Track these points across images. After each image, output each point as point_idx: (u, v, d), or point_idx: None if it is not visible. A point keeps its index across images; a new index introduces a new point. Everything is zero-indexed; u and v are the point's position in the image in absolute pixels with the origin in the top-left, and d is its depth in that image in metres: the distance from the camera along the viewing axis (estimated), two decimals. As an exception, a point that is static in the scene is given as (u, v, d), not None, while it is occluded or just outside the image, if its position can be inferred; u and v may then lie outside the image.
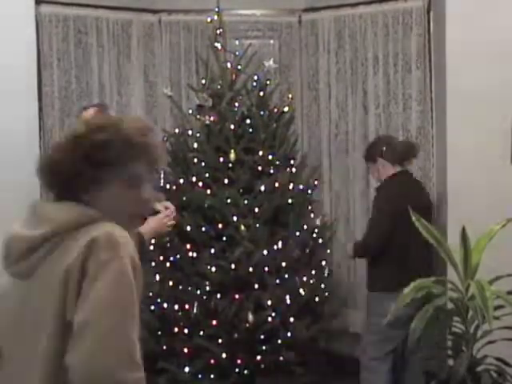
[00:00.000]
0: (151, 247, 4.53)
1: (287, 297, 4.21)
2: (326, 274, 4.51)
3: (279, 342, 4.21)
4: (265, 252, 4.20)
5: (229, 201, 4.25)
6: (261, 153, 4.35)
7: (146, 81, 5.10)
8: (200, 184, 4.34)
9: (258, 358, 4.21)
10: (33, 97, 4.26)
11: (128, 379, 1.54)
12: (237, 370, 4.21)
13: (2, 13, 4.03)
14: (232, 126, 4.36)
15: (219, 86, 4.49)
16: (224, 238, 4.25)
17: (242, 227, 4.20)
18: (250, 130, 4.41)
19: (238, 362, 4.20)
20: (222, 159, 4.33)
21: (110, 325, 1.55)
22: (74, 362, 1.54)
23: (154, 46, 5.11)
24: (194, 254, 4.28)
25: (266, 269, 4.21)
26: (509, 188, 4.05)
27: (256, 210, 4.26)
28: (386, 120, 4.81)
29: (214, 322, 4.17)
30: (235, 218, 4.22)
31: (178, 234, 4.38)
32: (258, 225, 4.26)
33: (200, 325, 4.21)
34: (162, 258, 4.41)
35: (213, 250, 4.22)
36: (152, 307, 4.44)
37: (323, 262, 4.52)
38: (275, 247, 4.25)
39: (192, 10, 5.06)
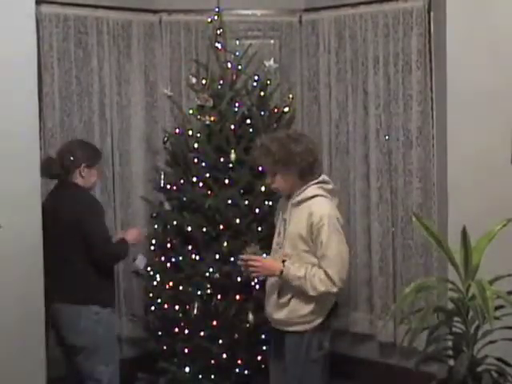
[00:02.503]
0: (152, 247, 4.55)
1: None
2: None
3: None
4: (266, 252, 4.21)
5: (229, 201, 4.25)
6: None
7: (146, 81, 5.10)
8: (200, 184, 4.34)
9: (259, 358, 4.21)
10: (33, 97, 4.25)
11: None
12: (237, 370, 4.21)
13: (2, 13, 4.03)
14: (232, 126, 4.37)
15: (219, 86, 4.49)
16: (225, 239, 4.25)
17: (243, 227, 4.21)
18: (251, 130, 4.41)
19: (239, 362, 4.20)
20: (222, 159, 4.34)
21: None
22: None
23: (155, 46, 5.11)
24: (195, 255, 4.28)
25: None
26: (509, 188, 4.05)
27: (257, 210, 4.26)
28: (387, 120, 4.81)
29: (215, 323, 4.18)
30: (235, 218, 4.22)
31: (178, 235, 4.39)
32: (258, 225, 4.26)
33: (200, 325, 4.22)
34: (162, 258, 4.42)
35: (217, 256, 4.22)
36: (152, 307, 4.44)
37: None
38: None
39: (192, 10, 5.06)
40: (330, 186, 3.47)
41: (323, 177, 3.48)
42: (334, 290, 3.33)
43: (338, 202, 3.53)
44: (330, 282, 3.30)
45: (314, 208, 3.36)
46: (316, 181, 3.42)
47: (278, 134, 3.65)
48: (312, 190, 3.41)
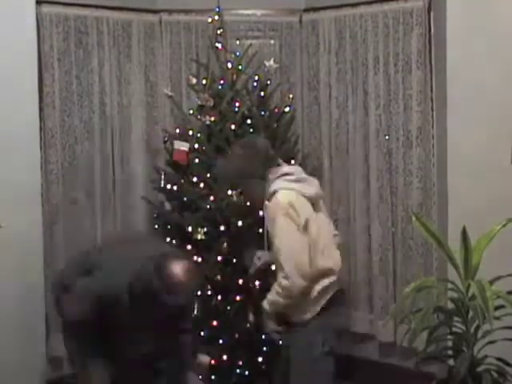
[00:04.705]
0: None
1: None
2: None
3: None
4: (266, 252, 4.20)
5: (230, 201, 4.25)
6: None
7: (147, 81, 5.10)
8: (201, 185, 4.34)
9: (260, 359, 4.21)
10: (33, 97, 4.26)
11: None
12: (237, 370, 4.21)
13: (3, 13, 4.03)
14: (232, 126, 4.36)
15: (220, 86, 4.49)
16: (225, 239, 4.24)
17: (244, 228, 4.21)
18: (251, 130, 4.41)
19: (239, 362, 4.20)
20: (222, 159, 4.34)
21: None
22: None
23: (155, 45, 5.11)
24: (196, 255, 4.28)
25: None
26: (509, 188, 4.05)
27: (258, 211, 4.26)
28: (387, 120, 4.80)
29: (215, 323, 4.17)
30: (236, 219, 4.22)
31: (179, 235, 4.38)
32: (260, 227, 4.26)
33: (201, 325, 4.21)
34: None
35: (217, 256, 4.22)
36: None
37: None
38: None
39: (192, 9, 5.06)
40: None
41: None
42: None
43: None
44: None
45: None
46: None
47: None
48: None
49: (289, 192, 3.41)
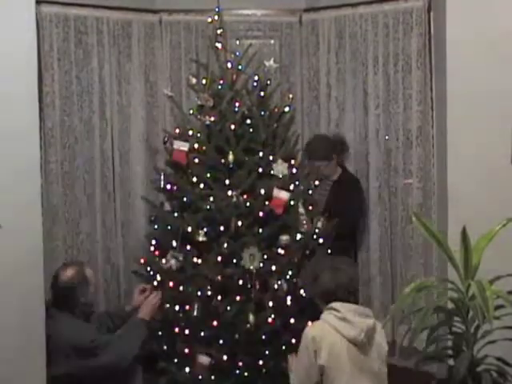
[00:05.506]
0: (152, 248, 4.54)
1: (288, 298, 4.21)
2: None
3: (280, 342, 4.21)
4: (266, 252, 4.20)
5: (230, 202, 4.25)
6: (261, 153, 4.35)
7: (147, 81, 5.10)
8: (201, 185, 4.33)
9: (260, 362, 4.20)
10: (33, 97, 4.25)
11: None
12: (237, 371, 4.21)
13: (2, 13, 4.03)
14: (232, 126, 4.36)
15: (219, 86, 4.49)
16: (225, 239, 4.24)
17: (243, 228, 4.20)
18: (251, 130, 4.41)
19: (239, 363, 4.19)
20: (222, 160, 4.33)
21: None
22: None
23: (155, 45, 5.11)
24: (196, 256, 4.28)
25: (267, 270, 4.20)
26: (509, 188, 4.05)
27: (257, 211, 4.26)
28: (386, 120, 4.81)
29: (215, 323, 4.17)
30: (236, 220, 4.21)
31: (178, 235, 4.38)
32: (259, 227, 4.26)
33: (201, 326, 4.21)
34: (163, 259, 4.41)
35: (217, 257, 4.21)
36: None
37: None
38: (276, 248, 4.25)
39: (192, 9, 5.07)
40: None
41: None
42: None
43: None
44: None
45: None
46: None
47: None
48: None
49: (322, 326, 3.29)
